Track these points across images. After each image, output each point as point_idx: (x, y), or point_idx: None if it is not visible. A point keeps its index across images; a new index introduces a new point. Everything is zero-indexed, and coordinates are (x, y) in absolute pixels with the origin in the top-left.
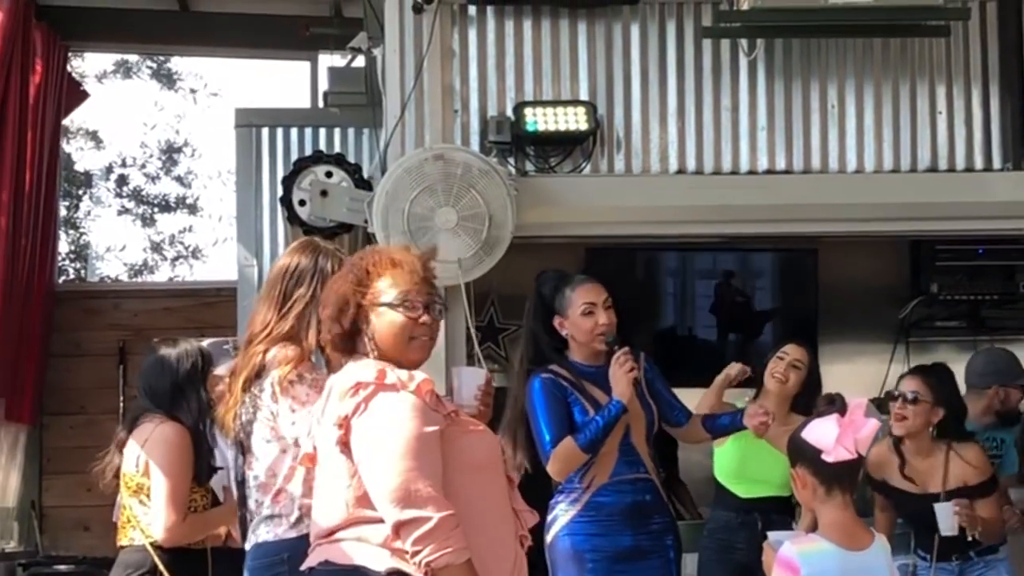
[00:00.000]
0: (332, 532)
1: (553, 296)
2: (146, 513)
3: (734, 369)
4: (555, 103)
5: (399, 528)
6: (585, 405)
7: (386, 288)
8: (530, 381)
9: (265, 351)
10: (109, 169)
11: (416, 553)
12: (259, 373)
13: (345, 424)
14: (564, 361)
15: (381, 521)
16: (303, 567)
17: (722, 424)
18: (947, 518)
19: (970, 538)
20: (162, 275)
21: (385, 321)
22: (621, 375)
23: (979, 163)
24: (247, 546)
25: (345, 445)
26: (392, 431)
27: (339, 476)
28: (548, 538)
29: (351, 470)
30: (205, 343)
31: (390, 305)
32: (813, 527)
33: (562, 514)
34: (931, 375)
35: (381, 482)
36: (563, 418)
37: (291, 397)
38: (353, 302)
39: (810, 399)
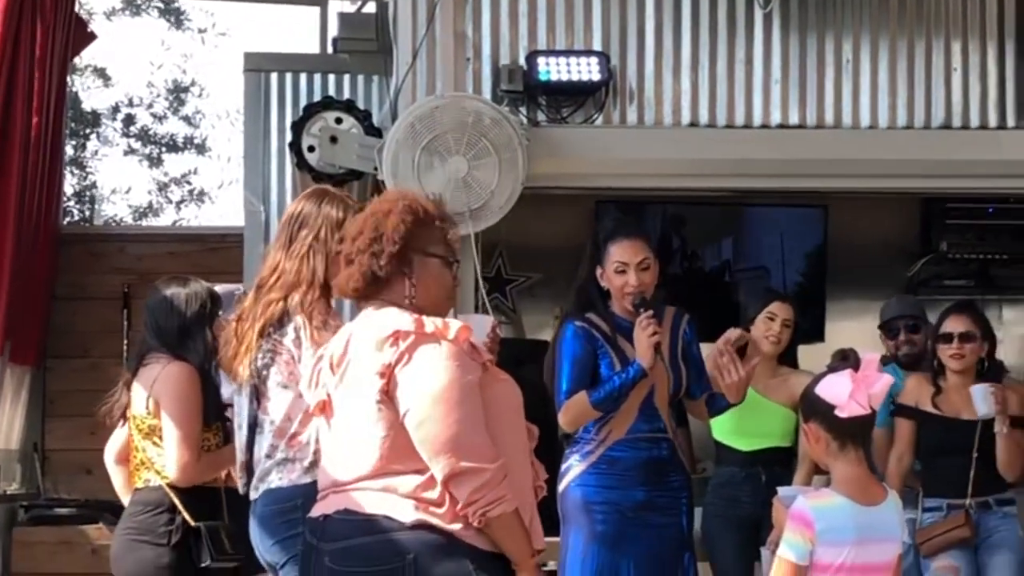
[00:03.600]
0: (353, 482)
1: (599, 247)
2: (160, 455)
3: (733, 334)
4: (568, 53)
5: (452, 479)
6: (613, 359)
7: (438, 239)
8: (564, 327)
9: (285, 297)
10: (116, 109)
11: (471, 504)
12: (281, 319)
13: (389, 373)
14: (606, 312)
15: (410, 473)
16: (314, 514)
17: (719, 406)
18: (984, 398)
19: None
20: (167, 217)
21: (433, 273)
22: (643, 339)
23: (993, 120)
24: (254, 493)
25: (387, 395)
26: (441, 381)
27: (373, 426)
28: (560, 488)
29: (390, 421)
30: (217, 288)
31: (443, 259)
32: (808, 479)
33: (575, 465)
34: (972, 311)
35: (435, 432)
36: (585, 370)
37: (314, 343)
38: (401, 240)
39: (794, 350)
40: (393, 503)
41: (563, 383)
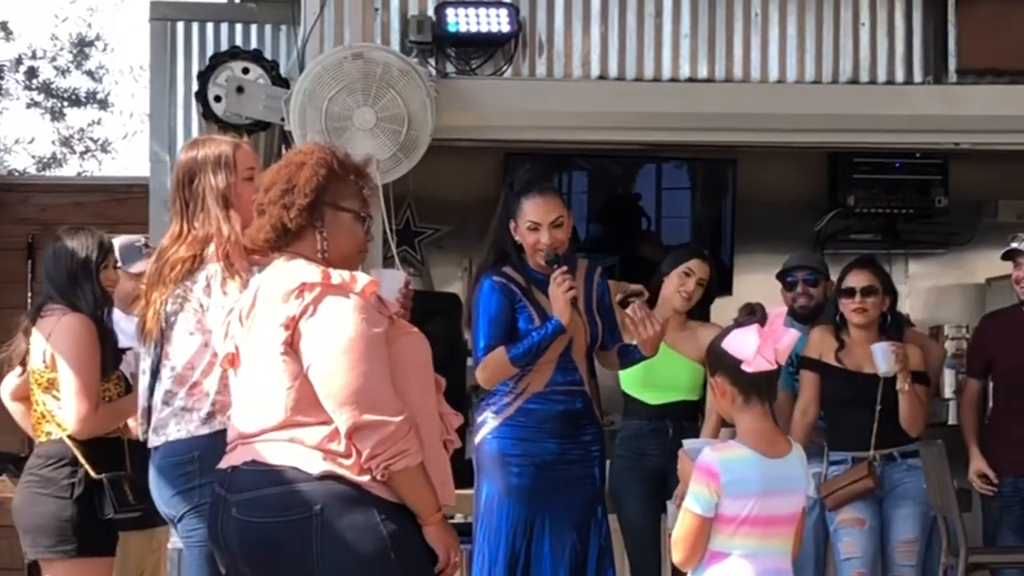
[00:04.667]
0: (260, 433)
1: (512, 201)
2: (60, 407)
3: (634, 286)
4: (477, 4)
5: (356, 431)
6: (532, 312)
7: (351, 193)
8: (480, 281)
9: (201, 249)
10: (19, 61)
11: (374, 457)
12: (196, 268)
13: (292, 325)
14: (521, 264)
15: (316, 424)
16: (222, 465)
17: (633, 357)
18: (885, 356)
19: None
20: (71, 169)
21: (345, 227)
22: (559, 295)
23: (900, 76)
24: (153, 443)
25: (291, 347)
26: (346, 333)
27: (277, 378)
28: (476, 440)
29: (294, 372)
30: (118, 240)
31: (355, 214)
32: (716, 432)
33: (491, 418)
34: (873, 265)
35: (339, 385)
36: (504, 326)
37: (224, 293)
38: (313, 192)
39: (704, 305)
40: (300, 454)
41: (481, 339)
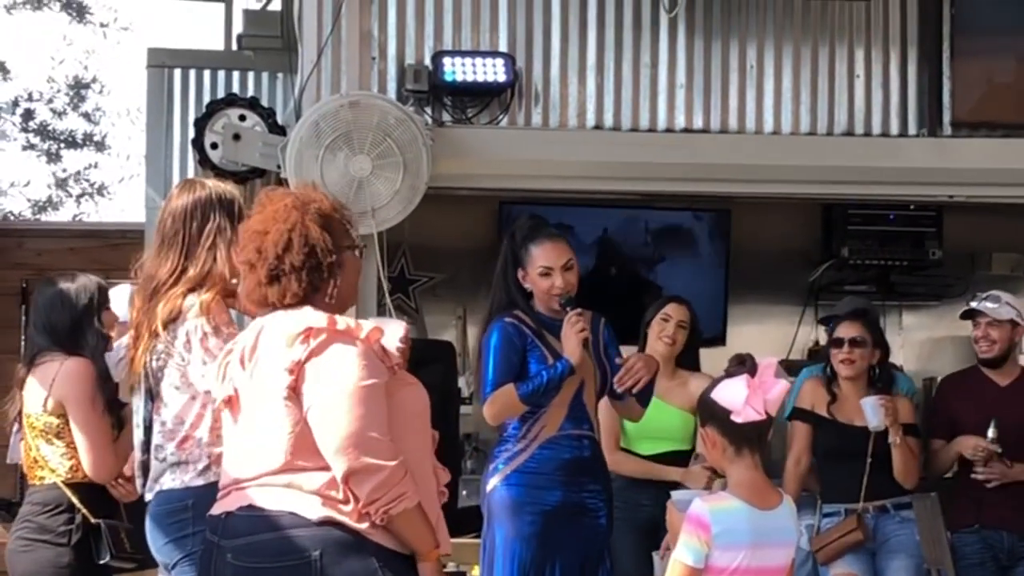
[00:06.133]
0: (257, 478)
1: (518, 248)
2: (55, 453)
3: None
4: (474, 53)
5: (352, 475)
6: (544, 352)
7: (345, 231)
8: (492, 324)
9: (184, 294)
10: (15, 103)
11: (372, 502)
12: (175, 319)
13: (297, 370)
14: (530, 308)
15: (316, 470)
16: (215, 511)
17: (647, 393)
18: (874, 411)
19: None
20: (67, 212)
21: (351, 263)
22: (572, 335)
23: (895, 128)
24: (149, 494)
25: (294, 391)
26: (347, 379)
27: (278, 422)
28: (487, 487)
29: (296, 417)
30: (127, 289)
31: (353, 248)
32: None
33: (504, 465)
34: (865, 316)
35: (337, 429)
36: (512, 366)
37: (204, 349)
38: (334, 248)
39: (693, 352)
40: (298, 499)
41: (489, 375)
